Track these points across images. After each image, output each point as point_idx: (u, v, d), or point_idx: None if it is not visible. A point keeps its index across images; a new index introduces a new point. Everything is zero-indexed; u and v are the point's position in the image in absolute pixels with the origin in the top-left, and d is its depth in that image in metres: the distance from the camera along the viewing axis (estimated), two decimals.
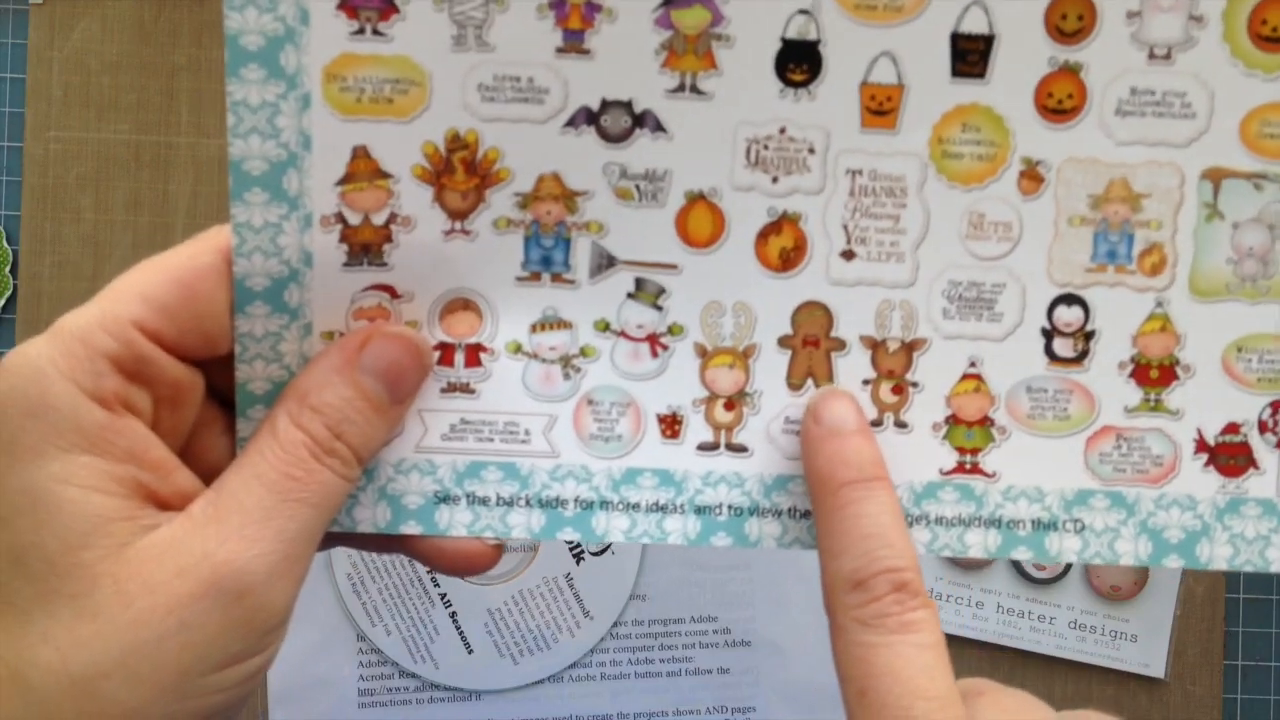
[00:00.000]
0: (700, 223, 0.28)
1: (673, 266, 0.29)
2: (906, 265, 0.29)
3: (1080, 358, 0.30)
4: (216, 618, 0.22)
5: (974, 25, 0.27)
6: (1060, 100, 0.28)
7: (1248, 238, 0.29)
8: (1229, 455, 0.30)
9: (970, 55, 0.27)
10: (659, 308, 0.29)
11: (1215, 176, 0.29)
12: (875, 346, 0.29)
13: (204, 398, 0.27)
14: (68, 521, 0.22)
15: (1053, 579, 0.59)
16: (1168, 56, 0.28)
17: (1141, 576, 0.59)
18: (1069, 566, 0.60)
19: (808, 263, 0.29)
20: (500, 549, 0.29)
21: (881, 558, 0.25)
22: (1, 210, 0.60)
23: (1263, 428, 0.30)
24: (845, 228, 0.29)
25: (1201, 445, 0.30)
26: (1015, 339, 0.30)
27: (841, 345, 0.29)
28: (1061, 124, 0.28)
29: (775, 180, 0.28)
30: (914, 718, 0.23)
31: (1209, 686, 0.60)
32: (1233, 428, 0.30)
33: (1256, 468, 0.30)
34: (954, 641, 0.60)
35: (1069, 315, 0.30)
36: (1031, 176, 0.29)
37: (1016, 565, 0.60)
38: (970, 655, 0.60)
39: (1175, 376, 0.30)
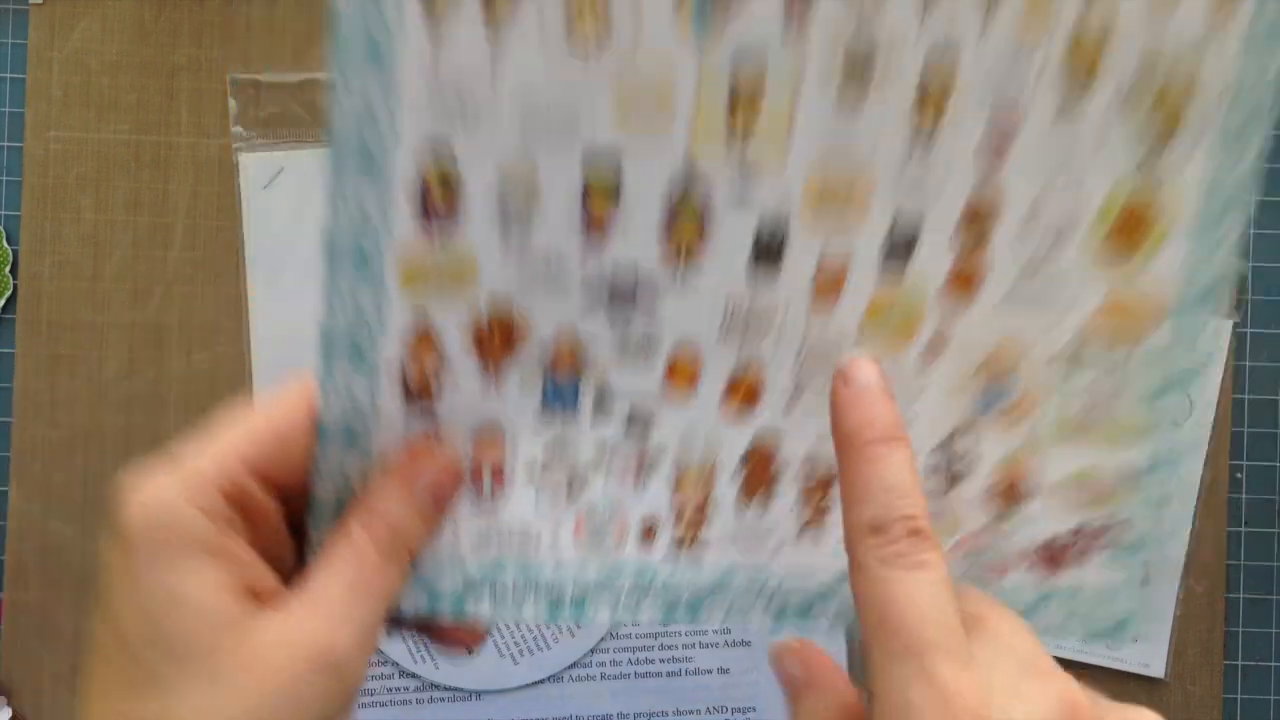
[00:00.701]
0: (682, 373, 0.36)
1: (654, 408, 0.36)
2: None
3: (952, 484, 0.37)
4: (321, 688, 0.29)
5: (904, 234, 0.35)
6: (965, 275, 0.35)
7: (1095, 387, 0.37)
8: (1049, 560, 0.38)
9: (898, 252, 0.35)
10: (645, 437, 0.37)
11: (1071, 348, 0.36)
12: (808, 475, 0.37)
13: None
14: (200, 613, 0.29)
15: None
16: (1039, 263, 0.35)
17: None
18: None
19: (761, 408, 0.36)
20: (485, 634, 0.37)
21: (900, 506, 0.29)
22: (1, 210, 0.60)
23: (1073, 540, 0.38)
24: (794, 381, 0.36)
25: (1032, 554, 0.38)
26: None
27: (784, 467, 0.37)
28: (962, 302, 0.35)
29: (742, 338, 0.36)
30: (927, 638, 0.27)
31: (1209, 686, 0.60)
32: (1053, 540, 0.38)
33: (1073, 567, 0.38)
34: None
35: (950, 450, 0.38)
36: (935, 342, 0.36)
37: None
38: None
39: (1020, 496, 0.37)
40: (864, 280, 0.35)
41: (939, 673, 0.27)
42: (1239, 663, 0.60)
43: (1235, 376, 0.60)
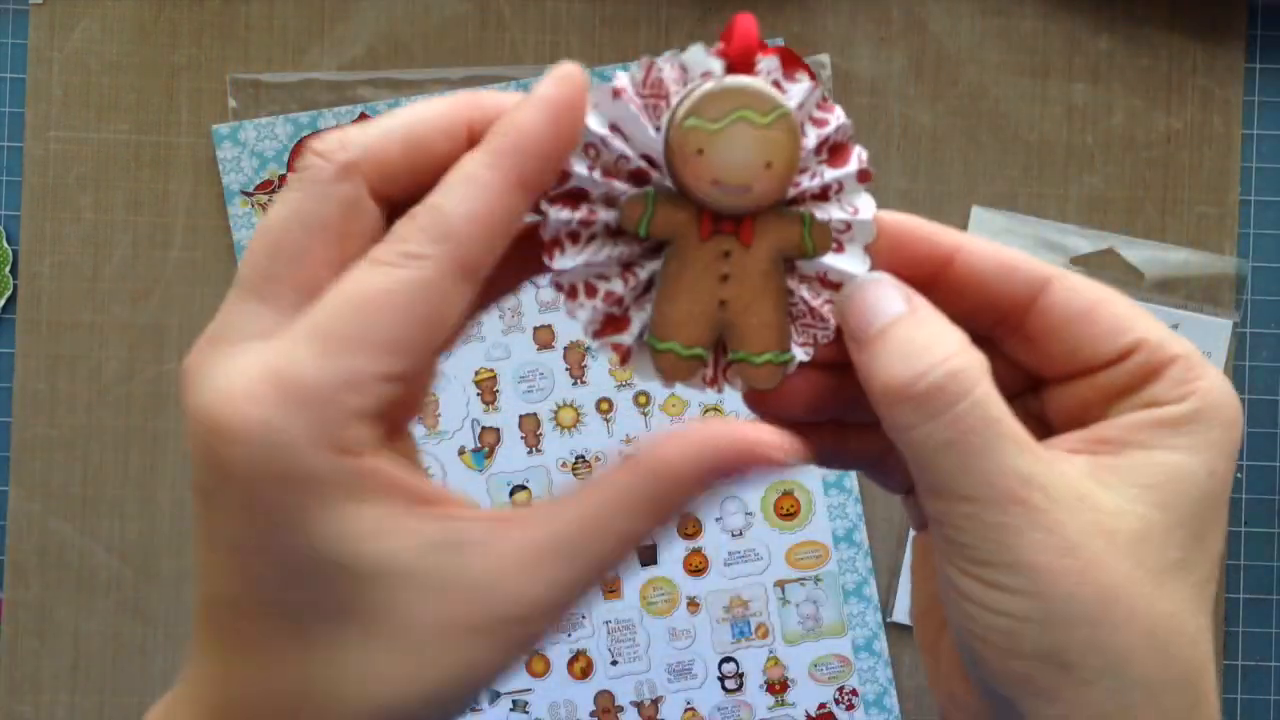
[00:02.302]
0: (538, 665, 0.59)
1: (529, 691, 0.59)
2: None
3: (739, 688, 0.60)
4: (493, 650, 0.23)
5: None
6: (695, 565, 0.60)
7: (803, 609, 0.60)
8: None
9: None
10: (526, 714, 0.59)
11: (780, 584, 0.60)
12: (639, 706, 0.60)
13: None
14: (359, 568, 0.23)
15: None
16: (740, 534, 0.60)
17: None
18: None
19: (595, 672, 0.60)
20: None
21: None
22: (1, 210, 0.60)
23: (835, 701, 0.60)
24: (610, 648, 0.60)
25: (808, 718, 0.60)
26: (706, 686, 0.60)
27: (621, 709, 0.59)
28: (698, 578, 0.59)
29: (569, 634, 0.59)
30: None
31: None
32: (822, 706, 0.60)
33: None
34: None
35: (729, 668, 0.59)
36: (692, 604, 0.60)
37: None
38: None
39: (786, 687, 0.60)
40: (632, 578, 0.59)
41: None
42: (1239, 663, 0.60)
43: (1235, 376, 0.60)
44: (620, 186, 0.25)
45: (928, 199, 0.60)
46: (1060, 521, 0.24)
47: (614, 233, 0.25)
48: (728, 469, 0.25)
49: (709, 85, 0.26)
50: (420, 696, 0.23)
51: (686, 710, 0.60)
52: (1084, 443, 0.26)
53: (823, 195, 0.27)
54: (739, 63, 0.27)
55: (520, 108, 0.24)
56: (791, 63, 0.27)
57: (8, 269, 0.60)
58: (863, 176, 0.27)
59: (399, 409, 0.24)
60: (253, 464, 0.22)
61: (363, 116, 0.59)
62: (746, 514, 0.60)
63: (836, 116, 0.28)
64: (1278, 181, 0.61)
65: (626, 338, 0.26)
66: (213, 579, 0.24)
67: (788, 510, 0.60)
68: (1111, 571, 0.24)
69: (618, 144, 0.25)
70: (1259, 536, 0.60)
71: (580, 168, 0.25)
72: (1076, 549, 0.23)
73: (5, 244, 0.60)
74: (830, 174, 0.27)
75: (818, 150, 0.27)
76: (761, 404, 0.28)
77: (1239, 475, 0.60)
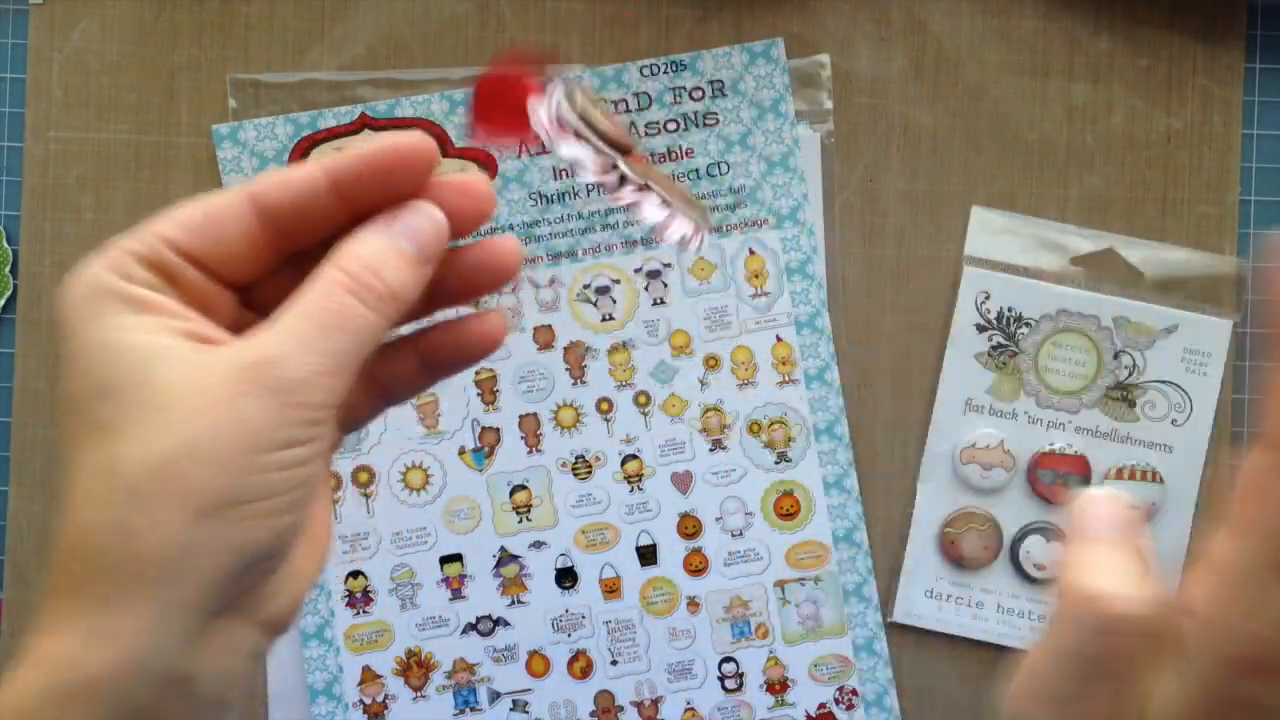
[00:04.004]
0: (538, 665, 0.60)
1: (529, 691, 0.60)
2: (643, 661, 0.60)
3: (739, 688, 0.60)
4: (261, 407, 0.28)
5: None
6: (695, 565, 0.60)
7: (803, 609, 0.60)
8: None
9: None
10: (526, 713, 0.60)
11: (780, 584, 0.60)
12: (639, 706, 0.60)
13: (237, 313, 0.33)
14: (134, 353, 0.29)
15: (1053, 579, 0.59)
16: (740, 534, 0.60)
17: None
18: None
19: (595, 672, 0.60)
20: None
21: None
22: (1, 210, 0.60)
23: (835, 701, 0.60)
24: (610, 648, 0.60)
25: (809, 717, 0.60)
26: (705, 686, 0.60)
27: (620, 710, 0.60)
28: (698, 578, 0.60)
29: (570, 634, 0.60)
30: None
31: None
32: (822, 706, 0.60)
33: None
34: (954, 641, 0.60)
35: (729, 668, 0.60)
36: (692, 604, 0.60)
37: (1016, 565, 0.59)
38: (970, 655, 0.60)
39: (786, 687, 0.60)
40: (631, 578, 0.60)
41: None
42: None
43: (1235, 376, 0.60)
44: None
45: (928, 199, 0.60)
46: None
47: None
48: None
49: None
50: (200, 445, 0.28)
51: (686, 710, 0.60)
52: None
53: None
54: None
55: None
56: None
57: (8, 269, 0.60)
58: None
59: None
60: (74, 291, 0.30)
61: (363, 117, 0.59)
62: (746, 514, 0.60)
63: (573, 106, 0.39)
64: (1278, 181, 0.61)
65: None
66: (75, 443, 0.29)
67: (788, 510, 0.60)
68: None
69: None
70: None
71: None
72: None
73: (5, 244, 0.60)
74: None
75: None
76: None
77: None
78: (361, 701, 0.59)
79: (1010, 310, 0.60)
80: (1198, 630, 0.29)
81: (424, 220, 0.32)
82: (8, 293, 0.60)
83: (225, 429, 0.28)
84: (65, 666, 0.28)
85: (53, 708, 0.28)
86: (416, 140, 0.31)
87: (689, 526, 0.60)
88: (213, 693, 0.29)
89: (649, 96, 0.59)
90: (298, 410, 0.28)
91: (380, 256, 0.31)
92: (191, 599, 0.28)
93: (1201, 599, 0.30)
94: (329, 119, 0.59)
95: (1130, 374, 0.60)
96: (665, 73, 0.59)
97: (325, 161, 0.31)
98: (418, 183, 0.32)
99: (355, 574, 0.59)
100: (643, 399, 0.60)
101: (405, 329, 0.35)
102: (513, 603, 0.59)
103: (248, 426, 0.28)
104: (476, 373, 0.59)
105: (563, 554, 0.60)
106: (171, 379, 0.28)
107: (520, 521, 0.60)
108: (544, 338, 0.60)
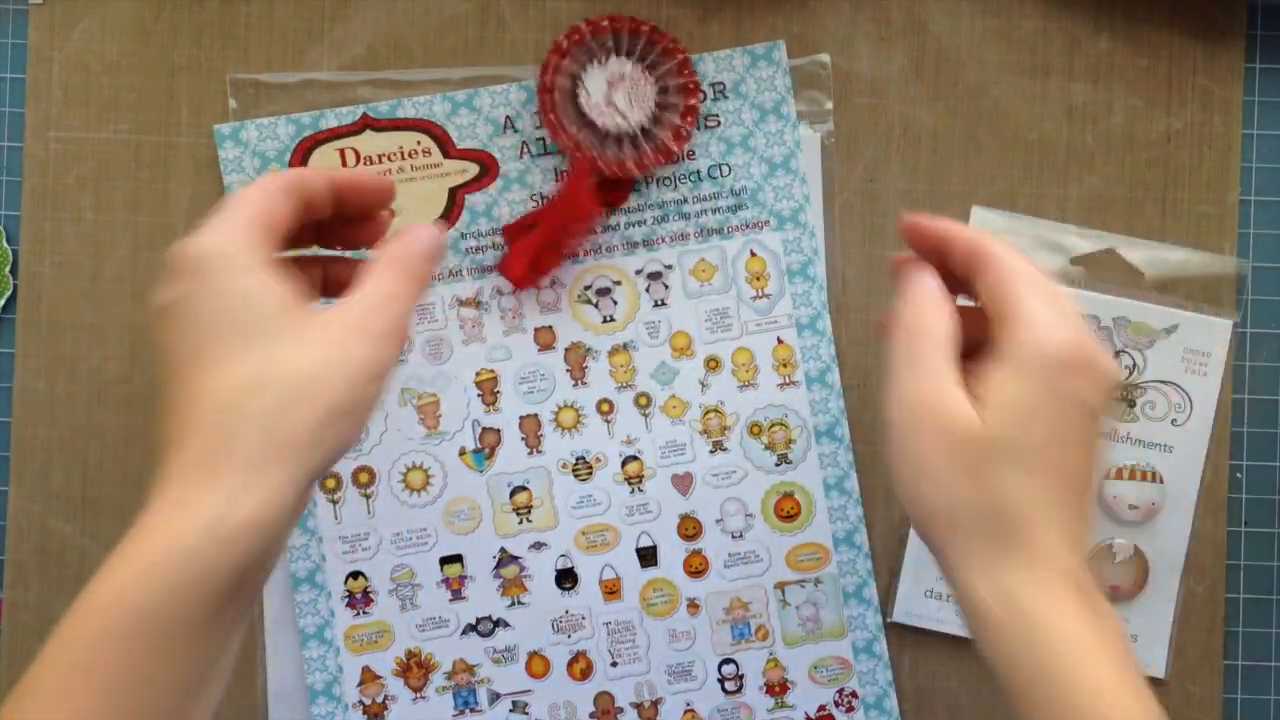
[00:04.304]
0: (538, 666, 0.60)
1: (529, 692, 0.60)
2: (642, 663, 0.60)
3: (739, 690, 0.60)
4: (363, 352, 0.39)
5: None
6: (695, 566, 0.60)
7: (803, 611, 0.60)
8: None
9: None
10: (526, 714, 0.60)
11: (780, 586, 0.60)
12: (639, 707, 0.60)
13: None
14: (274, 297, 0.39)
15: None
16: (740, 536, 0.60)
17: (1141, 577, 0.59)
18: None
19: (594, 673, 0.60)
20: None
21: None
22: (1, 210, 0.60)
23: (835, 704, 0.60)
24: (610, 650, 0.60)
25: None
26: (706, 687, 0.60)
27: (620, 712, 0.60)
28: (698, 579, 0.60)
29: (569, 635, 0.60)
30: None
31: (1209, 686, 0.60)
32: (821, 708, 0.60)
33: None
34: (954, 641, 0.60)
35: (728, 670, 0.60)
36: (692, 606, 0.60)
37: None
38: (970, 655, 0.60)
39: (786, 689, 0.60)
40: (631, 579, 0.60)
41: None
42: (1239, 663, 0.60)
43: (1235, 376, 0.60)
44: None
45: (928, 199, 0.60)
46: (930, 404, 0.41)
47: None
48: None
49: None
50: (328, 370, 0.39)
51: (686, 712, 0.60)
52: (975, 381, 0.41)
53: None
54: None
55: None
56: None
57: (8, 269, 0.60)
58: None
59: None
60: (202, 250, 0.40)
61: (365, 117, 0.59)
62: (747, 516, 0.60)
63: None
64: (1278, 181, 0.61)
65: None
66: (207, 354, 0.39)
67: (788, 512, 0.60)
68: (941, 440, 0.40)
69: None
70: (1259, 536, 0.60)
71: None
72: (933, 422, 0.41)
73: (5, 244, 0.60)
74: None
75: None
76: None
77: (1239, 475, 0.60)
78: (361, 702, 0.59)
79: None
80: (1029, 339, 0.40)
81: (429, 233, 0.44)
82: (8, 293, 0.60)
83: (345, 361, 0.39)
84: (224, 509, 0.36)
85: (215, 543, 0.36)
86: (384, 182, 0.47)
87: (689, 528, 0.60)
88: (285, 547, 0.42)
89: None
90: (383, 349, 0.40)
91: (418, 250, 0.43)
92: (312, 473, 0.38)
93: (1029, 314, 0.41)
94: (331, 119, 0.59)
95: (1130, 374, 0.60)
96: None
97: (331, 172, 0.44)
98: (383, 202, 0.47)
99: (355, 574, 0.59)
100: (643, 400, 0.60)
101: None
102: (513, 604, 0.60)
103: (356, 362, 0.39)
104: (477, 373, 0.60)
105: (563, 555, 0.60)
106: (305, 323, 0.39)
107: (520, 522, 0.60)
108: (545, 339, 0.60)
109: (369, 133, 0.59)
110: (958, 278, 0.44)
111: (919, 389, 0.41)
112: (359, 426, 0.40)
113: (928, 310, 0.43)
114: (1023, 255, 0.43)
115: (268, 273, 0.39)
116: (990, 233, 0.44)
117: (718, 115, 0.59)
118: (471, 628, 0.59)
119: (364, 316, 0.40)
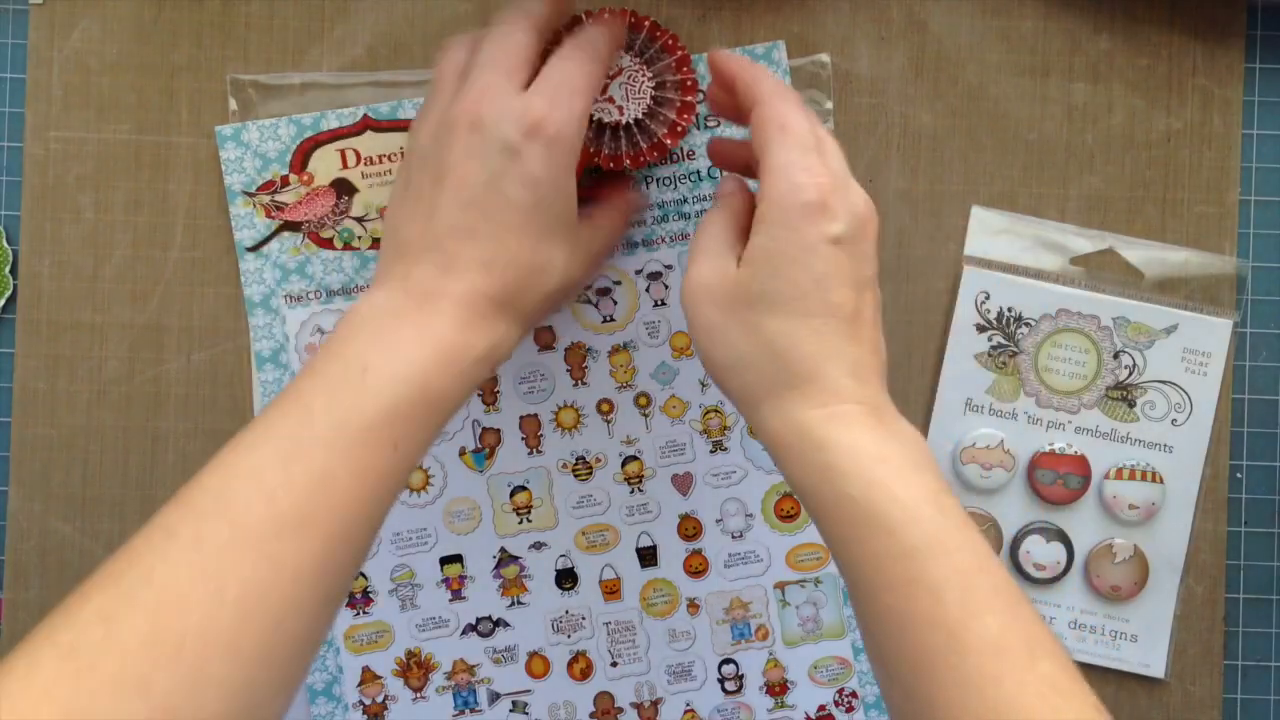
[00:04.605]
0: (537, 666, 0.60)
1: (527, 698, 0.60)
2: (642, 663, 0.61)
3: (739, 690, 0.60)
4: (593, 268, 0.53)
5: None
6: (695, 566, 0.60)
7: (803, 611, 0.60)
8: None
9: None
10: (526, 714, 0.60)
11: (780, 586, 0.60)
12: (639, 707, 0.60)
13: None
14: (572, 202, 0.47)
15: (1053, 579, 0.59)
16: (740, 536, 0.60)
17: (1141, 577, 0.59)
18: (1069, 566, 0.60)
19: (595, 673, 0.60)
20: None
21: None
22: (1, 210, 0.60)
23: (835, 704, 0.60)
24: (610, 650, 0.60)
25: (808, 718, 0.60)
26: (706, 688, 0.60)
27: (620, 712, 0.60)
28: (698, 579, 0.60)
29: (569, 635, 0.60)
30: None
31: (1209, 686, 0.60)
32: (821, 708, 0.60)
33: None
34: None
35: (728, 670, 0.60)
36: (692, 606, 0.60)
37: (1016, 565, 0.60)
38: None
39: (786, 689, 0.60)
40: (631, 579, 0.60)
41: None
42: (1239, 663, 0.60)
43: (1235, 376, 0.60)
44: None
45: (928, 199, 0.60)
46: (704, 279, 0.45)
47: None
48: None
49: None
50: (583, 274, 0.50)
51: (686, 712, 0.60)
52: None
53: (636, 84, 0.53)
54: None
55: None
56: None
57: (8, 269, 0.60)
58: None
59: None
60: (567, 143, 0.46)
61: (365, 118, 0.59)
62: (747, 515, 0.60)
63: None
64: (1278, 181, 0.61)
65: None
66: (508, 219, 0.46)
67: (788, 512, 0.60)
68: (717, 303, 0.45)
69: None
70: (1259, 536, 0.60)
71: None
72: (707, 291, 0.45)
73: (5, 244, 0.60)
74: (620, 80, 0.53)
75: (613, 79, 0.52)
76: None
77: (1239, 475, 0.60)
78: (361, 702, 0.59)
79: (1010, 310, 0.60)
80: (774, 191, 0.44)
81: (615, 24, 0.52)
82: (8, 293, 0.60)
83: (584, 276, 0.52)
84: (499, 340, 0.47)
85: (488, 362, 0.47)
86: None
87: (689, 528, 0.60)
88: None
89: None
90: (593, 269, 0.54)
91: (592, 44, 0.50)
92: (530, 326, 0.49)
93: (776, 166, 0.44)
94: (332, 120, 0.59)
95: (1130, 374, 0.60)
96: None
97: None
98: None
99: (355, 574, 0.59)
100: (643, 400, 0.60)
101: None
102: (513, 604, 0.60)
103: (585, 276, 0.53)
104: None
105: (563, 555, 0.60)
106: (578, 232, 0.49)
107: (520, 522, 0.60)
108: (545, 338, 0.60)
109: (370, 133, 0.59)
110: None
111: (699, 271, 0.45)
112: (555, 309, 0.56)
113: (715, 207, 0.48)
114: (789, 98, 0.45)
115: (571, 175, 0.46)
116: (770, 73, 0.47)
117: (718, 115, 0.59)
118: (471, 628, 0.59)
119: (598, 247, 0.52)
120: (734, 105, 0.48)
